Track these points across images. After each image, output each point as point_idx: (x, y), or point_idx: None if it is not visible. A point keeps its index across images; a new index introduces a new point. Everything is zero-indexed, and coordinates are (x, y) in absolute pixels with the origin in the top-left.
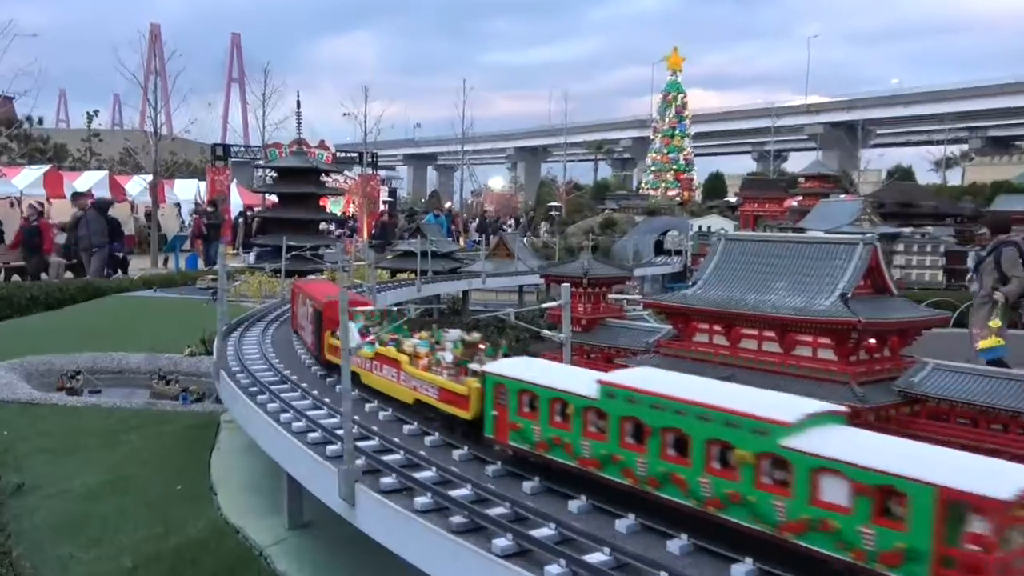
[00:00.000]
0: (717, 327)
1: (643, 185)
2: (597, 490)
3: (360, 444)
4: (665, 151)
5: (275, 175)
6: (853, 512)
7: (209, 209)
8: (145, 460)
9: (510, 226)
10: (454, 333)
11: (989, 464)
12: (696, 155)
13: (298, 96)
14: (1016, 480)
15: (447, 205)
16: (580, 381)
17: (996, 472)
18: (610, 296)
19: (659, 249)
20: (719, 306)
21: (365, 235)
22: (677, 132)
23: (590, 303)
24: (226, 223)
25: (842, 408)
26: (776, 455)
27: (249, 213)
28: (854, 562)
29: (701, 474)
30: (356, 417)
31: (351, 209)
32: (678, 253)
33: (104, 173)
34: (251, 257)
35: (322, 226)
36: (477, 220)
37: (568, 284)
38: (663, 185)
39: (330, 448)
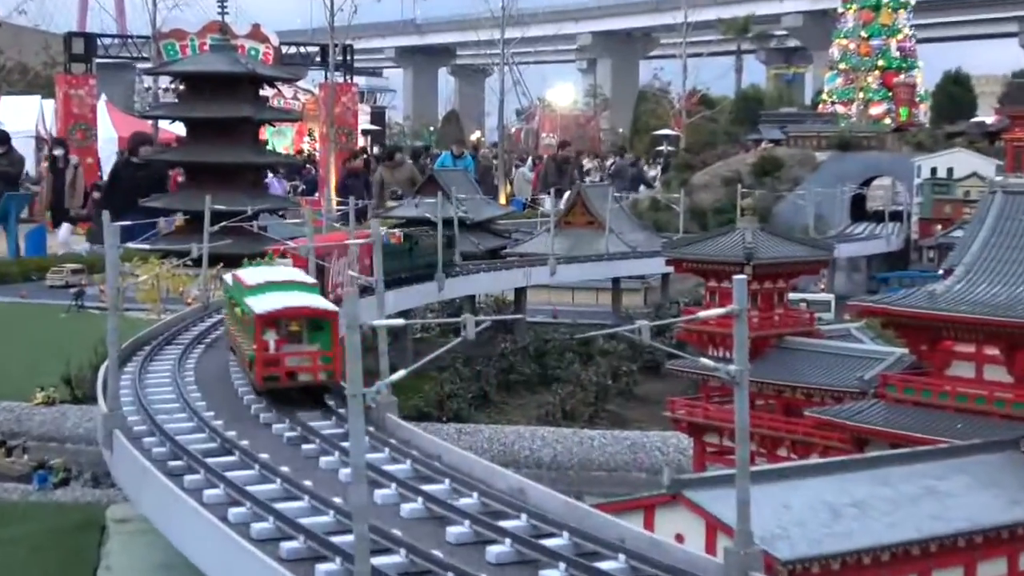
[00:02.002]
0: (992, 350)
1: (824, 97)
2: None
3: None
4: (864, 34)
5: (178, 88)
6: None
7: (57, 152)
8: None
9: (592, 172)
10: None
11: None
12: (921, 40)
13: None
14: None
15: (474, 137)
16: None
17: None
18: (792, 296)
19: (858, 210)
20: (998, 313)
21: (332, 190)
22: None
23: (756, 309)
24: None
25: (310, 280)
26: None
27: (137, 158)
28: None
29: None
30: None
31: (308, 146)
32: (894, 217)
33: None
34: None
35: (278, 185)
36: (530, 161)
37: (726, 273)
38: (861, 96)
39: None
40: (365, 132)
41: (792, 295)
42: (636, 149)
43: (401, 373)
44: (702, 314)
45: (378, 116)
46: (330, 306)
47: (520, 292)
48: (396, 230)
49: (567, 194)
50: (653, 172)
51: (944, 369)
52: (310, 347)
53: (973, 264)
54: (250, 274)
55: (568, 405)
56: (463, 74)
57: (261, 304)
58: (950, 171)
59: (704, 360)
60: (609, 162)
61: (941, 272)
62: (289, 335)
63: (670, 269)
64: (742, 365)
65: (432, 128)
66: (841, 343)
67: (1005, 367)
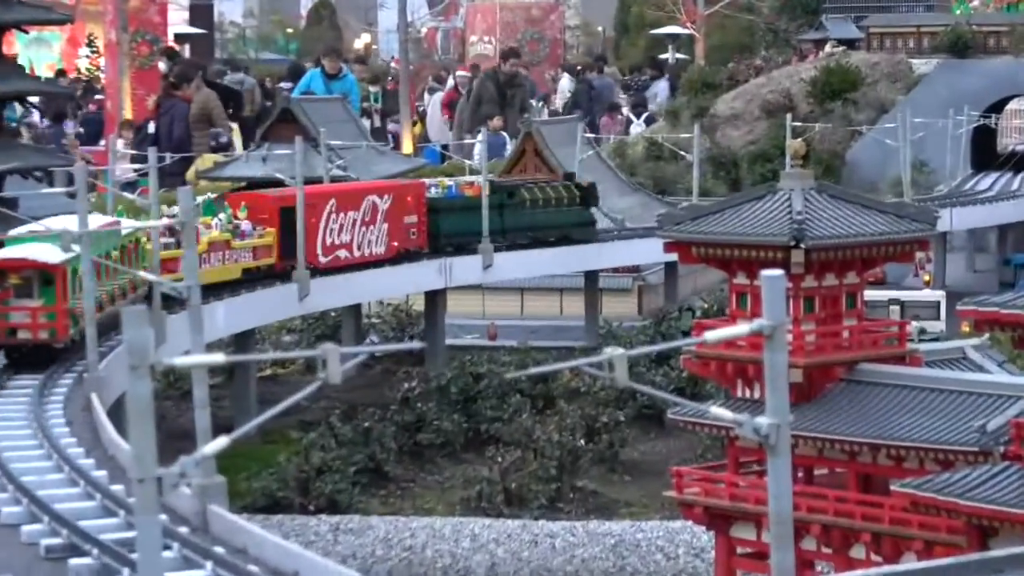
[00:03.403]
0: None
1: None
2: None
3: None
4: None
5: None
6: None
7: None
8: None
9: (545, 101)
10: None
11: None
12: None
13: None
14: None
15: (360, 44)
16: None
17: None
18: (873, 296)
19: (983, 152)
20: None
21: (123, 136)
22: None
23: (812, 321)
24: None
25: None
26: None
27: None
28: None
29: None
30: None
31: (87, 63)
32: None
33: None
34: None
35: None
36: (451, 82)
37: (762, 263)
38: None
39: None
40: (180, 38)
41: (874, 294)
42: (624, 60)
43: (220, 442)
44: (711, 335)
45: (202, 12)
46: (59, 259)
47: (435, 298)
48: (470, 179)
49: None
50: (653, 98)
51: None
52: (33, 303)
53: None
54: None
55: (514, 482)
56: None
57: None
58: None
59: (716, 410)
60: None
61: None
62: (14, 289)
63: (674, 257)
64: (779, 417)
65: (291, 31)
66: (951, 373)
67: None
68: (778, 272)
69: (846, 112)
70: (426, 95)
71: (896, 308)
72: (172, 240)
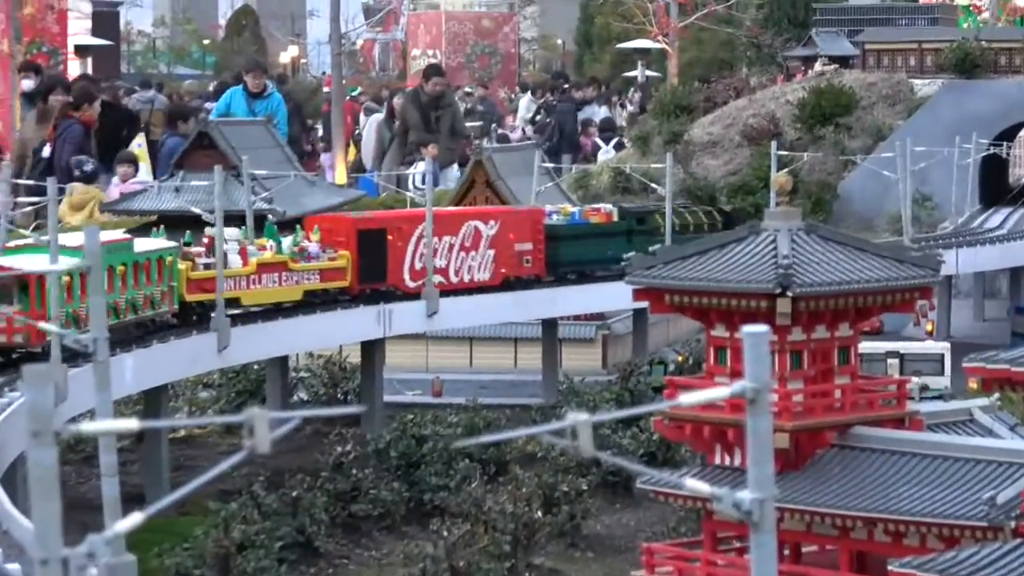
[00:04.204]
0: None
1: None
2: None
3: None
4: None
5: None
6: None
7: None
8: None
9: (499, 123)
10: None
11: None
12: None
13: None
14: None
15: (287, 58)
16: None
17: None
18: (869, 348)
19: (994, 184)
20: None
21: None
22: None
23: (800, 379)
24: None
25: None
26: None
27: None
28: None
29: None
30: None
31: None
32: None
33: None
34: None
35: None
36: (392, 100)
37: (744, 313)
38: None
39: None
40: (82, 50)
41: (870, 346)
42: (588, 76)
43: (134, 518)
44: (687, 398)
45: (107, 21)
46: (36, 268)
47: (372, 350)
48: (600, 205)
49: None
50: (621, 119)
51: None
52: (11, 309)
53: None
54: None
55: (462, 559)
56: None
57: None
58: None
59: (692, 482)
60: (537, 102)
61: None
62: None
63: (644, 304)
64: (763, 490)
65: (208, 42)
66: (956, 438)
67: None
68: (762, 328)
69: (839, 139)
70: (362, 117)
71: (895, 362)
72: (211, 260)
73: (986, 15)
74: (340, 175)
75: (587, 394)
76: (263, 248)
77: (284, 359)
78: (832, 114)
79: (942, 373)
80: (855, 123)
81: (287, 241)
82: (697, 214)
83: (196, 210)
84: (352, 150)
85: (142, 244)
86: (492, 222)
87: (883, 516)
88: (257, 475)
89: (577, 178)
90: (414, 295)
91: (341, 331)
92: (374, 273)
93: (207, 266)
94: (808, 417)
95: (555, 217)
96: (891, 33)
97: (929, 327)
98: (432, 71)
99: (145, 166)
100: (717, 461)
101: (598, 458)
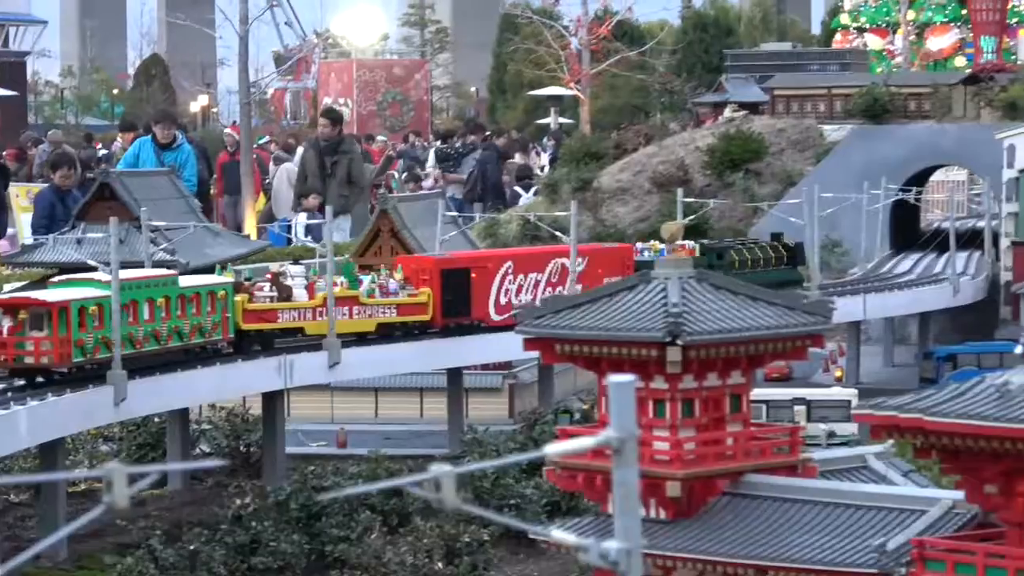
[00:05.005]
0: None
1: (843, 20)
2: None
3: None
4: None
5: None
6: None
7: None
8: None
9: (410, 172)
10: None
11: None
12: None
13: None
14: None
15: (197, 107)
16: None
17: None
18: (772, 393)
19: (904, 229)
20: None
21: None
22: None
23: (693, 425)
24: None
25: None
26: None
27: None
28: None
29: None
30: None
31: None
32: (971, 241)
33: None
34: None
35: None
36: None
37: (635, 363)
38: (909, 17)
39: None
40: None
41: (777, 392)
42: (502, 123)
43: None
44: (551, 449)
45: (14, 71)
46: (53, 298)
47: (273, 401)
48: (684, 241)
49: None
50: (537, 159)
51: None
52: (39, 334)
53: None
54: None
55: None
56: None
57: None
58: None
59: (558, 533)
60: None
61: (1019, 348)
62: (26, 322)
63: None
64: (630, 540)
65: (116, 91)
66: (848, 485)
67: None
68: (627, 377)
69: (748, 185)
70: (271, 166)
71: (802, 408)
72: (273, 294)
73: (899, 60)
74: (249, 224)
75: (490, 444)
76: (335, 284)
77: (185, 412)
78: (741, 160)
79: (849, 419)
80: (765, 169)
81: (367, 279)
82: (765, 248)
83: (92, 262)
84: (261, 199)
85: (190, 279)
86: (579, 259)
87: (774, 564)
88: (154, 528)
89: (486, 226)
90: (501, 327)
91: (240, 383)
92: (458, 308)
93: (271, 299)
94: (700, 465)
95: (645, 253)
96: (801, 79)
97: (838, 373)
98: (328, 114)
99: (27, 216)
100: (610, 510)
101: (500, 507)
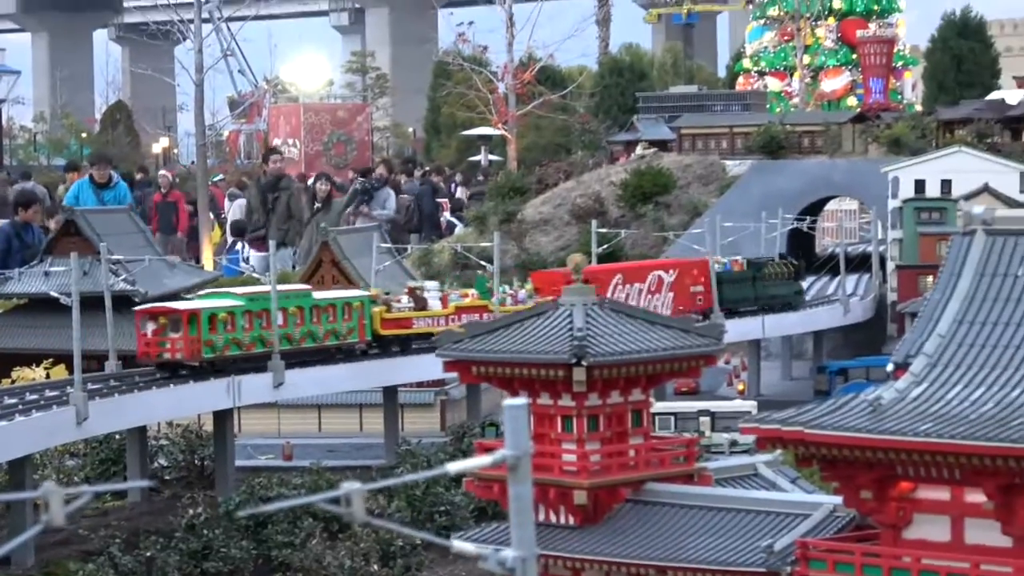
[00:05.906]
0: (976, 496)
1: (745, 63)
2: None
3: None
4: None
5: None
6: None
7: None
8: None
9: (359, 198)
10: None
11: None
12: None
13: None
14: None
15: (159, 148)
16: None
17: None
18: (679, 406)
19: (801, 257)
20: (983, 434)
21: None
22: None
23: (598, 438)
24: None
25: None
26: None
27: None
28: None
29: None
30: None
31: None
32: (861, 264)
33: None
34: None
35: None
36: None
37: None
38: (804, 61)
39: None
40: None
41: (684, 405)
42: (438, 160)
43: None
44: (452, 467)
45: None
46: (183, 307)
47: (223, 418)
48: (737, 256)
49: (305, 243)
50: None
51: (902, 529)
52: (174, 335)
53: (940, 352)
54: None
55: None
56: (134, 41)
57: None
58: (946, 184)
59: (459, 543)
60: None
61: (891, 366)
62: (166, 326)
63: None
64: (525, 550)
65: (85, 135)
66: (740, 491)
67: (998, 523)
68: (521, 401)
69: (658, 216)
70: (227, 202)
71: (707, 420)
72: (411, 304)
73: (797, 100)
74: (206, 257)
75: (423, 455)
76: (465, 296)
77: (143, 429)
78: (652, 193)
79: None
80: (673, 201)
81: (500, 289)
82: (783, 265)
83: (54, 294)
84: (217, 232)
85: (327, 293)
86: (672, 271)
87: (673, 565)
88: (114, 537)
89: (420, 256)
90: None
91: (194, 403)
92: None
93: (409, 309)
94: (605, 475)
95: (717, 265)
96: (705, 119)
97: (741, 387)
98: (269, 152)
99: None
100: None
101: (431, 513)
